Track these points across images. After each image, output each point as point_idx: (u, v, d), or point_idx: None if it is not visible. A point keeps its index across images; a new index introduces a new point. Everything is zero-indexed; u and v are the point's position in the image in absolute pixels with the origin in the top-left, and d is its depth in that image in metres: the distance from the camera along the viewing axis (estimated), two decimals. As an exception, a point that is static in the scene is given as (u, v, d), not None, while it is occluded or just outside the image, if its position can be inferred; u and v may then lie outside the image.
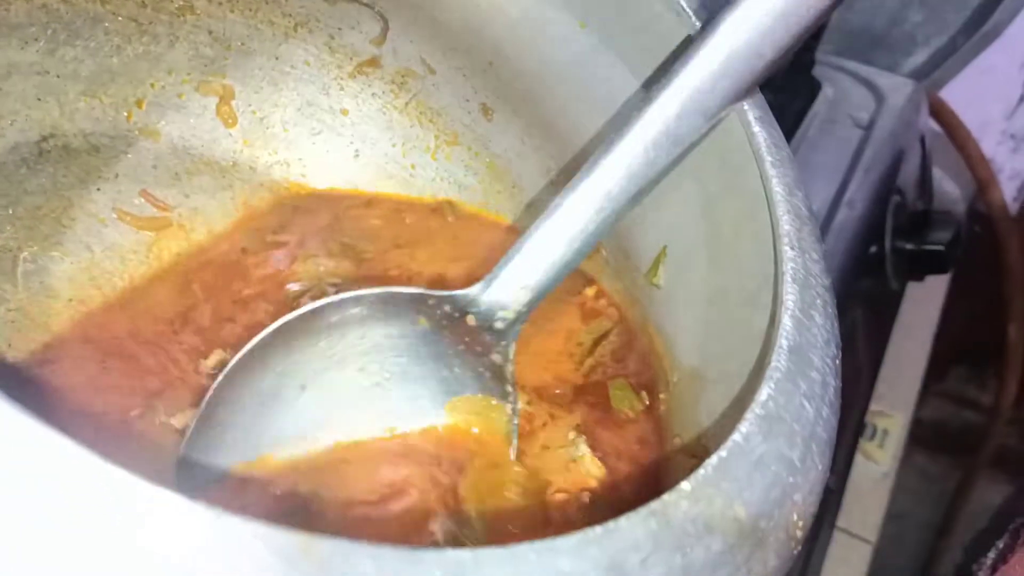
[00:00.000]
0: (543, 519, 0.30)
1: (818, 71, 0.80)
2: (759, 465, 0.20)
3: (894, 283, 0.71)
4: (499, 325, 0.31)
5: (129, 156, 0.38)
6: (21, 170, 0.35)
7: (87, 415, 0.30)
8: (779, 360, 0.22)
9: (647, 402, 0.34)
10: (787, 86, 0.74)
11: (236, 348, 0.30)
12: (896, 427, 0.71)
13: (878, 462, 0.69)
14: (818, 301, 0.25)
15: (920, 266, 0.71)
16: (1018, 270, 0.87)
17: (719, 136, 0.30)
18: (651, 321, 0.35)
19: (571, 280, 0.38)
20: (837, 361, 0.24)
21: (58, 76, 0.35)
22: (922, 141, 0.85)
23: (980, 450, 0.89)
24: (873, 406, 0.71)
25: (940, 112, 0.85)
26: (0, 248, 0.34)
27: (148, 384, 0.32)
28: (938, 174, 0.92)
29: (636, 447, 0.32)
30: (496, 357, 0.32)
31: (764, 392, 0.21)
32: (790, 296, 0.24)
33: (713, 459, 0.19)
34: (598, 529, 0.17)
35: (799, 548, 0.21)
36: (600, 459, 0.32)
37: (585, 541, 0.16)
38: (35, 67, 0.34)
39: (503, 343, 0.31)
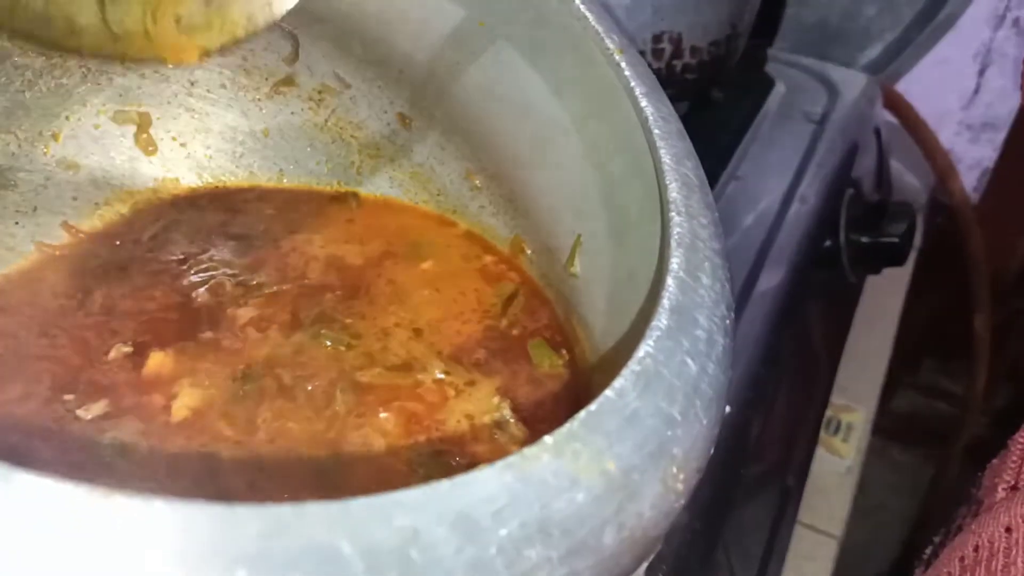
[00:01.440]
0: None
1: (771, 67, 0.81)
2: (632, 419, 0.20)
3: (851, 276, 0.71)
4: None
5: (48, 190, 0.38)
6: (-66, 206, 0.35)
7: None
8: (660, 320, 0.22)
9: (566, 357, 0.34)
10: (739, 83, 0.75)
11: (136, 340, 0.31)
12: (859, 421, 0.71)
13: (842, 456, 0.69)
14: (706, 264, 0.25)
15: (876, 259, 0.71)
16: (981, 260, 0.87)
17: (616, 119, 0.30)
18: (575, 312, 0.35)
19: (468, 247, 0.39)
20: (728, 321, 0.24)
21: (-32, 112, 0.35)
22: (877, 133, 0.85)
23: (953, 441, 0.88)
24: (835, 399, 0.70)
25: (897, 105, 0.86)
26: (-88, 284, 0.34)
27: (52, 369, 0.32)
28: (899, 167, 0.93)
29: (556, 405, 0.32)
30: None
31: (642, 349, 0.21)
32: (675, 259, 0.24)
33: (581, 414, 0.19)
34: (445, 483, 0.16)
35: (682, 500, 0.20)
36: (522, 421, 0.31)
37: (429, 494, 0.16)
38: (-57, 104, 0.35)
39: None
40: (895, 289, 0.80)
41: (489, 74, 0.35)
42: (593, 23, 0.30)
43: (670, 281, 0.23)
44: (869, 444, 0.72)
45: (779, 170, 0.69)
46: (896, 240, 0.68)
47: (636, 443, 0.19)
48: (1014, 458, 0.37)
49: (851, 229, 0.70)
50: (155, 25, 0.32)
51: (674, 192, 0.26)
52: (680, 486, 0.20)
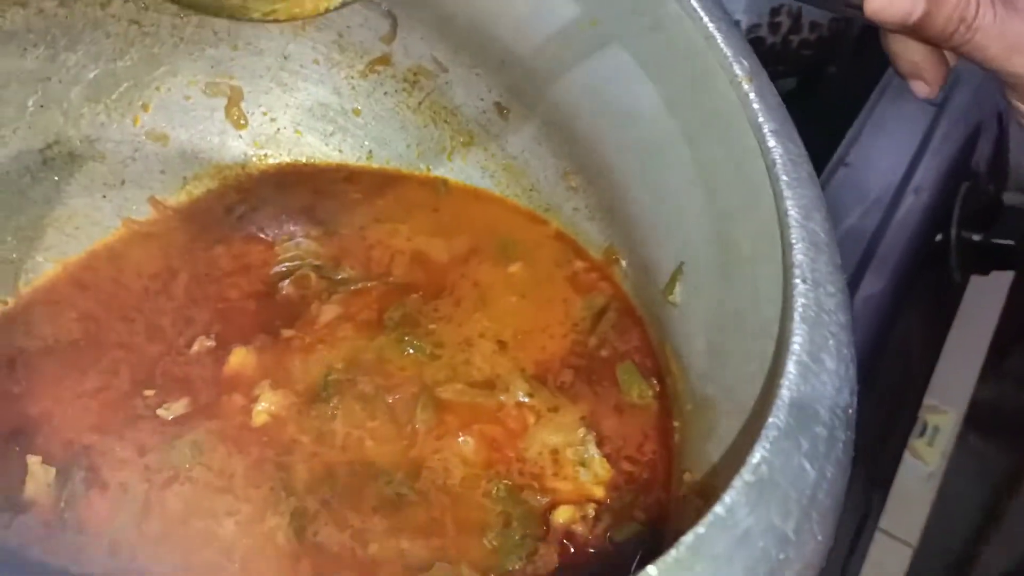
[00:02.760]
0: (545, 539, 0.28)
1: (892, 42, 0.75)
2: (743, 541, 0.18)
3: (957, 275, 0.66)
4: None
5: (136, 162, 0.37)
6: (24, 179, 0.34)
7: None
8: (778, 416, 0.20)
9: (656, 388, 0.32)
10: (856, 59, 0.70)
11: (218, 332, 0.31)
12: (948, 423, 0.67)
13: (926, 462, 0.66)
14: (830, 342, 0.22)
15: (987, 260, 0.66)
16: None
17: (734, 148, 0.27)
18: (669, 341, 0.33)
19: (560, 250, 0.37)
20: (851, 411, 0.22)
21: (60, 82, 0.34)
22: (999, 118, 0.79)
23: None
24: (926, 401, 0.67)
25: (1020, 87, 0.79)
26: (1, 260, 0.33)
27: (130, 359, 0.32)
28: (1018, 152, 0.86)
29: (643, 440, 0.31)
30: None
31: (757, 454, 0.19)
32: (797, 338, 0.22)
33: (688, 537, 0.18)
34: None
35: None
36: (606, 457, 0.30)
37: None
38: (36, 74, 0.34)
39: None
40: (997, 289, 0.75)
41: (597, 76, 0.33)
42: (721, 44, 0.27)
43: (791, 367, 0.21)
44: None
45: (893, 157, 0.65)
46: (1012, 243, 0.64)
47: (745, 569, 0.18)
48: None
49: (964, 226, 0.65)
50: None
51: (799, 254, 0.24)
52: (788, 615, 0.18)
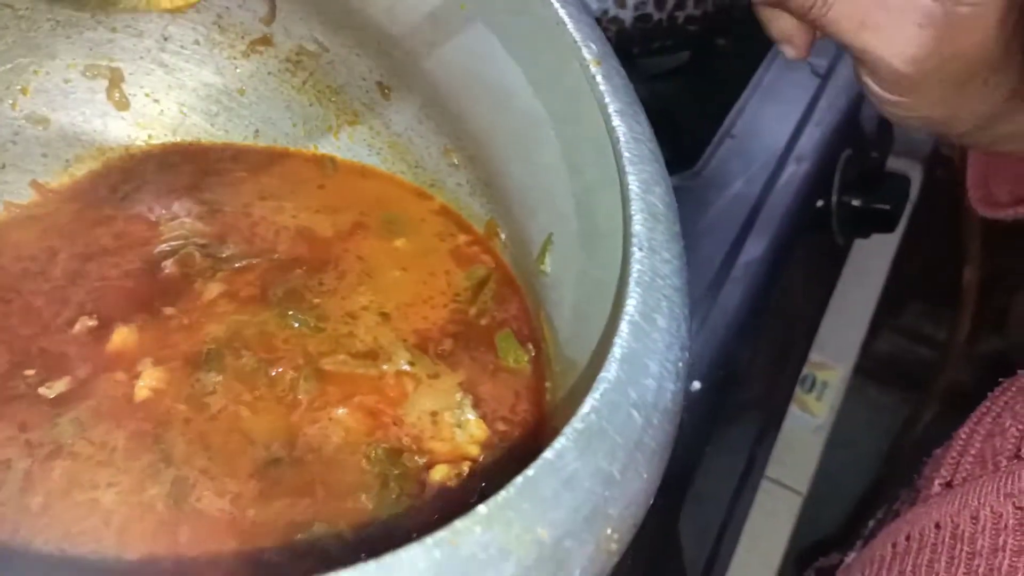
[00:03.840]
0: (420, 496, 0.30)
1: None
2: (570, 483, 0.20)
3: (840, 239, 0.70)
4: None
5: (16, 145, 0.37)
6: (-103, 164, 0.34)
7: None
8: (608, 371, 0.22)
9: (532, 353, 0.34)
10: (746, 31, 0.72)
11: (99, 311, 0.31)
12: (836, 379, 0.72)
13: (814, 414, 0.70)
14: (663, 304, 0.24)
15: (866, 224, 0.70)
16: (975, 214, 0.87)
17: (590, 128, 0.29)
18: (543, 308, 0.35)
19: (443, 224, 0.39)
20: (681, 364, 0.24)
21: (-69, 66, 0.34)
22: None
23: (931, 385, 0.90)
24: (814, 357, 0.71)
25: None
26: None
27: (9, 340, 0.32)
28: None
29: (516, 402, 0.33)
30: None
31: (587, 405, 0.21)
32: (631, 300, 0.24)
33: (518, 479, 0.19)
34: (371, 565, 0.17)
35: (615, 558, 0.21)
36: (482, 418, 0.32)
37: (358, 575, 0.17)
38: (-96, 58, 0.34)
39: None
40: (883, 251, 0.80)
41: (469, 56, 0.34)
42: (571, 29, 0.28)
43: (623, 326, 0.23)
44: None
45: (777, 127, 0.68)
46: (888, 208, 0.68)
47: (571, 508, 0.20)
48: (953, 454, 0.38)
49: (844, 191, 0.69)
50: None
51: (638, 224, 0.26)
52: (614, 546, 0.21)
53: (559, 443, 0.21)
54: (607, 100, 0.28)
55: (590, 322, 0.31)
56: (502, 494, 0.19)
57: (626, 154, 0.27)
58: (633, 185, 0.26)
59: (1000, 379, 0.39)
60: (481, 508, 0.19)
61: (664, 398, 0.23)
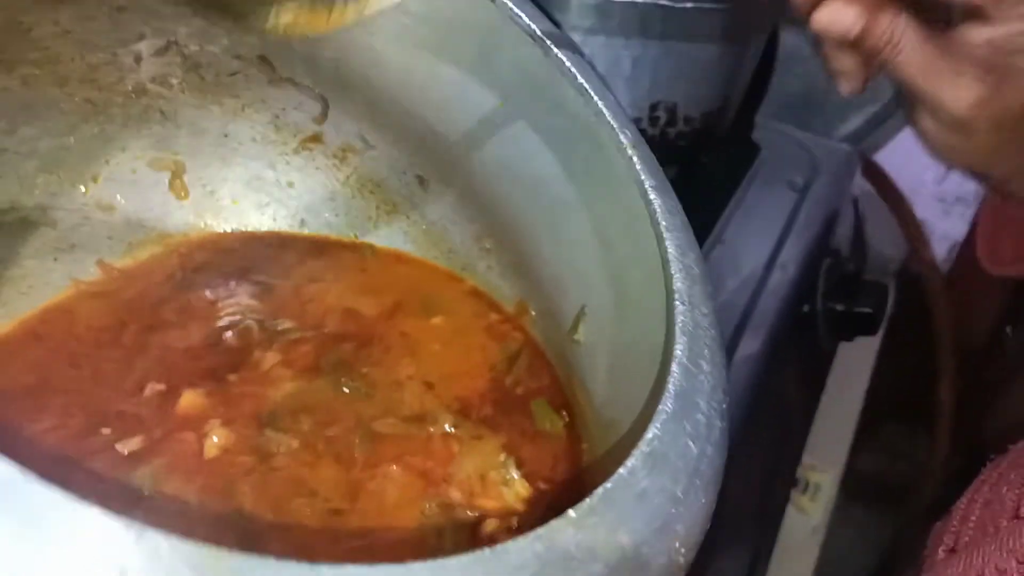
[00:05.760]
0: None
1: (757, 134, 0.84)
2: (642, 497, 0.22)
3: (825, 342, 0.74)
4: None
5: (85, 228, 0.40)
6: (-20, 241, 0.37)
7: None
8: (666, 404, 0.25)
9: (566, 419, 0.37)
10: (727, 149, 0.78)
11: (167, 377, 0.34)
12: (827, 481, 0.74)
13: (809, 515, 0.71)
14: (706, 351, 0.28)
15: (850, 327, 0.74)
16: (947, 330, 0.91)
17: (623, 205, 0.33)
18: (575, 376, 0.38)
19: (476, 304, 0.42)
20: (724, 405, 0.27)
21: (17, 153, 0.38)
22: (855, 204, 0.89)
23: (914, 502, 0.91)
24: (806, 460, 0.73)
25: (875, 175, 0.90)
26: (-44, 316, 0.36)
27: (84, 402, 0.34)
28: (874, 235, 0.97)
29: (556, 464, 0.35)
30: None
31: (651, 432, 0.24)
32: (679, 346, 0.27)
33: (599, 491, 0.22)
34: (487, 551, 0.19)
35: (682, 573, 0.23)
36: (524, 478, 0.34)
37: (475, 561, 0.19)
38: (-6, 146, 0.37)
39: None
40: (866, 356, 0.84)
41: (506, 150, 0.38)
42: (609, 118, 0.33)
43: (675, 368, 0.26)
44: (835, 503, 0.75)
45: (762, 236, 0.73)
46: (869, 311, 0.72)
47: (645, 519, 0.22)
48: (954, 522, 0.40)
49: (828, 298, 0.73)
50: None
51: (679, 282, 0.29)
52: (682, 559, 0.23)
53: (630, 463, 0.23)
54: (643, 177, 0.31)
55: (627, 383, 0.34)
56: (587, 501, 0.22)
57: (663, 223, 0.30)
58: (671, 249, 0.30)
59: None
60: (571, 512, 0.21)
61: (714, 433, 0.26)
